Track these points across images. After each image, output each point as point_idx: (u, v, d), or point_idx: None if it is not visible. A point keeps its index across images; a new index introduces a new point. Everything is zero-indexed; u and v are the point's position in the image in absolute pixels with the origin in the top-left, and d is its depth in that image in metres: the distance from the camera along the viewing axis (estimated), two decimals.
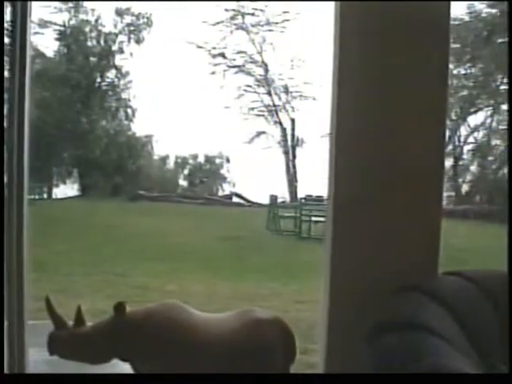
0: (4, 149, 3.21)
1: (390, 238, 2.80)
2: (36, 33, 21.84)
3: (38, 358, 3.78)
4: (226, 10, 25.66)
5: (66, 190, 27.63)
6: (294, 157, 26.22)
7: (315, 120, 22.19)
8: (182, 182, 29.48)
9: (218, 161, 28.95)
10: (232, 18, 26.03)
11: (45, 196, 26.54)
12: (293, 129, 26.44)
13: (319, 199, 15.31)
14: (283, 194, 22.96)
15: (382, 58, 2.76)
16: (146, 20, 27.45)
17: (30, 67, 3.30)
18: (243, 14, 26.07)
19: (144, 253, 11.40)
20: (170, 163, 29.95)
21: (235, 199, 25.86)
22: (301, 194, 21.36)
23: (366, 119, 2.78)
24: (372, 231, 2.78)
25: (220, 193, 28.10)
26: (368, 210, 2.77)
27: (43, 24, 23.03)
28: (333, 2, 2.86)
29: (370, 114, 2.78)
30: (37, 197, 22.08)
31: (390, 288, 2.60)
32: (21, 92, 3.23)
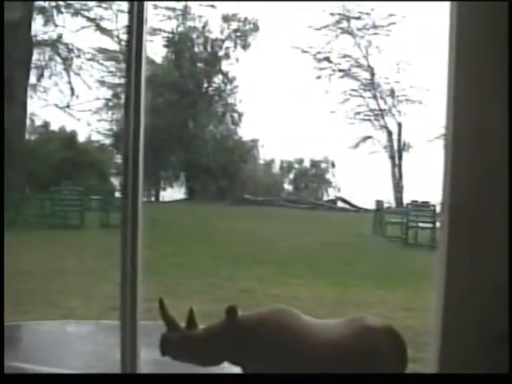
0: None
1: (507, 244, 2.70)
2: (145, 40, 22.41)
3: (147, 358, 3.85)
4: (332, 14, 25.58)
5: (173, 193, 28.18)
6: (401, 161, 25.88)
7: (422, 124, 21.86)
8: (287, 187, 29.56)
9: (323, 165, 28.88)
10: (337, 22, 25.93)
11: (152, 199, 27.17)
12: (399, 133, 26.09)
13: (426, 205, 15.03)
14: (389, 200, 22.69)
15: (499, 60, 2.68)
16: (252, 26, 27.72)
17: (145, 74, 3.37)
18: (349, 18, 25.92)
19: (250, 256, 11.47)
20: (276, 167, 30.09)
21: (340, 204, 25.73)
22: (407, 199, 21.06)
23: (482, 123, 2.69)
24: (489, 237, 2.69)
25: (325, 197, 28.02)
26: (484, 215, 2.68)
27: (152, 31, 23.58)
28: (447, 4, 2.79)
29: (486, 117, 2.70)
30: (145, 199, 22.69)
31: (507, 297, 2.52)
32: (136, 98, 3.30)
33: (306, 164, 28.95)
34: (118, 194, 17.61)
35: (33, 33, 19.92)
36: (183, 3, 25.07)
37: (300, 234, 14.77)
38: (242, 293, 8.32)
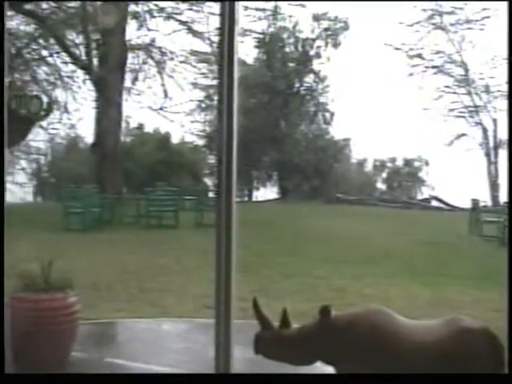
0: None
1: None
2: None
3: (240, 356, 3.88)
4: (424, 9, 25.22)
5: (266, 192, 28.37)
6: (497, 159, 25.29)
7: None
8: (380, 186, 29.37)
9: (416, 164, 28.56)
10: (430, 17, 25.56)
11: (246, 199, 27.40)
12: (495, 130, 25.52)
13: None
14: (485, 198, 22.19)
15: None
16: (342, 24, 27.61)
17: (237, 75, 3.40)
18: (441, 13, 25.51)
19: (342, 255, 11.38)
20: (368, 166, 29.96)
21: (435, 203, 25.31)
22: (504, 197, 20.56)
23: None
24: None
25: (419, 196, 27.67)
26: None
27: (243, 33, 23.72)
28: None
29: None
30: (238, 199, 22.92)
31: None
32: (229, 99, 3.33)
33: (399, 162, 28.70)
34: (211, 194, 17.82)
35: (127, 37, 20.39)
36: (273, 4, 25.14)
37: (393, 233, 14.60)
38: (335, 292, 8.26)
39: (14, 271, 4.48)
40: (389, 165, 28.90)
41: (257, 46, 27.85)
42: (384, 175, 29.04)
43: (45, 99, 4.42)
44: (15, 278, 4.54)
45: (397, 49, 25.44)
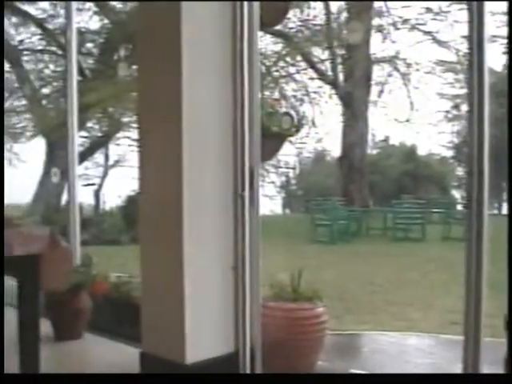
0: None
1: None
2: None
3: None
4: None
5: None
6: None
7: None
8: None
9: None
10: None
11: (495, 211, 26.34)
12: None
13: None
14: None
15: None
16: None
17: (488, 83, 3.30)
18: None
19: None
20: None
21: None
22: None
23: None
24: None
25: None
26: None
27: (490, 39, 22.89)
28: None
29: None
30: (488, 212, 22.03)
31: None
32: (480, 108, 3.24)
33: None
34: (459, 207, 17.35)
35: (372, 51, 20.52)
36: None
37: None
38: None
39: (268, 280, 4.66)
40: None
41: (506, 53, 26.76)
42: None
43: (294, 115, 4.56)
44: (268, 287, 4.72)
45: None
